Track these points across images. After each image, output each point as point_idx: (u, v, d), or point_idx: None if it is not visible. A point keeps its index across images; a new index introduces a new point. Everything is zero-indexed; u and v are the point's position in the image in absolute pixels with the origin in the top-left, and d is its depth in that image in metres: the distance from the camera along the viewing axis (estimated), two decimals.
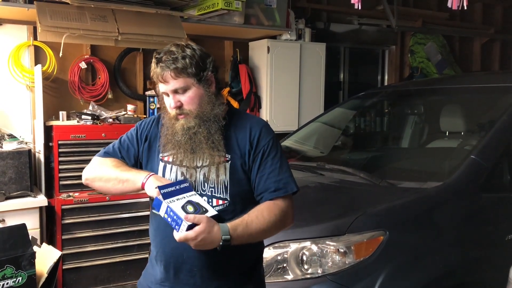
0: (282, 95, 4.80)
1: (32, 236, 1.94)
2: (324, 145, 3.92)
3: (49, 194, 3.81)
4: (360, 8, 4.10)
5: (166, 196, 1.57)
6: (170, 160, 1.74)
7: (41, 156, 3.83)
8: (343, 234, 2.31)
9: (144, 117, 4.31)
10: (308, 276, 2.29)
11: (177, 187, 1.62)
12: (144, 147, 1.82)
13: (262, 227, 1.64)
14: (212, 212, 1.62)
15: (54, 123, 3.79)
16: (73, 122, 3.84)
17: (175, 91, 1.67)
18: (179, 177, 1.71)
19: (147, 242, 3.81)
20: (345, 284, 2.24)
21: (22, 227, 1.84)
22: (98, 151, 1.89)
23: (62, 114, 3.85)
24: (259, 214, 1.64)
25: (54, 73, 4.04)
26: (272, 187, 1.69)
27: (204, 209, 1.61)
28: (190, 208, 1.58)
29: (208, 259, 1.67)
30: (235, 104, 4.65)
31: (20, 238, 1.80)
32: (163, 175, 1.74)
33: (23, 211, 3.43)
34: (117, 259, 3.92)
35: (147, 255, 3.63)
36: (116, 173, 1.73)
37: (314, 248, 2.31)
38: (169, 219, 1.55)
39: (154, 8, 3.82)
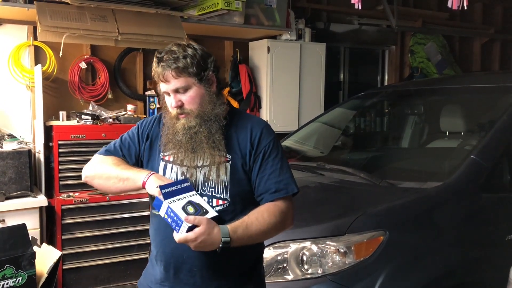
0: (282, 95, 4.80)
1: (32, 236, 1.93)
2: (324, 145, 3.92)
3: (49, 194, 3.81)
4: (360, 8, 4.10)
5: (166, 196, 1.57)
6: (171, 159, 1.74)
7: (41, 156, 3.83)
8: (343, 234, 2.31)
9: (144, 117, 4.30)
10: (308, 276, 2.29)
11: (178, 186, 1.62)
12: (146, 146, 1.82)
13: (262, 228, 1.64)
14: (212, 213, 1.61)
15: (54, 123, 3.79)
16: (73, 122, 3.84)
17: (176, 91, 1.67)
18: (180, 177, 1.71)
19: (147, 242, 3.81)
20: (345, 284, 2.24)
21: (22, 227, 1.84)
22: (98, 151, 1.89)
23: (62, 114, 3.85)
24: (259, 216, 1.64)
25: (54, 73, 4.04)
26: (273, 188, 1.69)
27: (204, 210, 1.60)
28: (190, 209, 1.57)
29: (208, 259, 1.67)
30: (235, 104, 4.65)
31: (20, 238, 1.80)
32: (164, 174, 1.74)
33: (23, 211, 3.43)
34: (117, 259, 3.92)
35: (147, 255, 3.64)
36: (117, 171, 1.73)
37: (314, 248, 2.31)
38: (169, 220, 1.54)
39: (154, 8, 3.82)
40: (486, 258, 2.56)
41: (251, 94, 4.73)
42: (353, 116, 4.36)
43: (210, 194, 1.69)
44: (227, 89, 4.72)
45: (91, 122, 3.84)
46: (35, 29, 3.83)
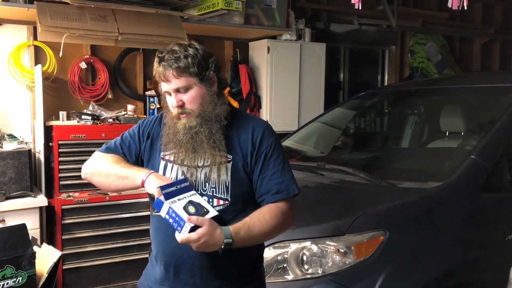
0: (282, 95, 4.80)
1: (32, 236, 1.93)
2: (324, 145, 3.92)
3: (49, 194, 3.81)
4: (360, 8, 4.10)
5: (167, 196, 1.56)
6: (171, 159, 1.73)
7: (41, 156, 3.83)
8: (343, 234, 2.31)
9: (145, 117, 4.30)
10: (308, 276, 2.29)
11: (178, 186, 1.62)
12: (146, 145, 1.82)
13: (264, 230, 1.64)
14: (213, 212, 1.61)
15: (54, 123, 3.79)
16: (73, 122, 3.84)
17: (177, 90, 1.67)
18: (180, 176, 1.71)
19: (147, 242, 3.82)
20: (345, 284, 2.24)
21: (22, 227, 1.84)
22: (98, 148, 1.89)
23: (62, 114, 3.86)
24: (261, 217, 1.64)
25: (54, 73, 4.04)
26: (274, 189, 1.69)
27: (205, 210, 1.60)
28: (191, 208, 1.57)
29: (208, 259, 1.67)
30: (235, 104, 4.65)
31: (20, 238, 1.80)
32: (164, 174, 1.73)
33: (23, 211, 3.43)
34: (117, 259, 3.92)
35: (147, 255, 3.64)
36: (116, 169, 1.73)
37: (314, 248, 2.31)
38: (170, 220, 1.54)
39: (154, 8, 3.82)
40: (486, 258, 2.56)
41: (251, 94, 4.73)
42: (353, 116, 4.36)
43: (210, 194, 1.69)
44: (227, 89, 4.72)
45: (91, 122, 3.84)
46: (35, 29, 3.83)
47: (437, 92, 3.71)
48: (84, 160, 1.89)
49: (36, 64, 3.93)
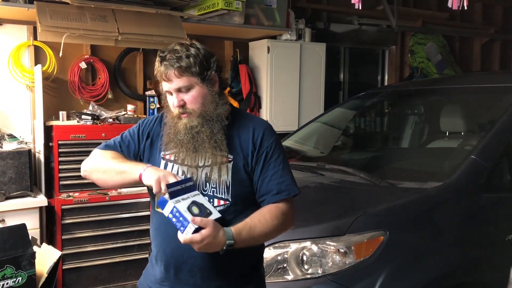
0: (282, 95, 4.80)
1: (32, 236, 1.94)
2: (324, 145, 3.92)
3: (49, 194, 3.81)
4: (360, 8, 4.10)
5: (172, 195, 1.56)
6: (172, 158, 1.73)
7: (41, 156, 3.83)
8: (343, 234, 2.31)
9: (145, 117, 4.30)
10: (308, 276, 2.29)
11: (183, 185, 1.61)
12: (146, 144, 1.82)
13: (265, 230, 1.64)
14: (216, 214, 1.61)
15: (54, 123, 3.79)
16: (73, 122, 3.84)
17: (179, 90, 1.67)
18: (180, 176, 1.70)
19: (147, 242, 3.82)
20: (345, 284, 2.24)
21: (22, 227, 1.84)
22: (98, 146, 1.90)
23: (62, 114, 3.85)
24: (262, 218, 1.64)
25: (54, 73, 4.04)
26: (275, 190, 1.69)
27: (208, 211, 1.60)
28: (195, 209, 1.57)
29: (209, 260, 1.67)
30: (235, 104, 4.65)
31: (20, 238, 1.80)
32: None
33: (23, 211, 3.43)
34: (117, 259, 3.92)
35: (147, 255, 3.64)
36: (114, 164, 1.73)
37: (314, 248, 2.31)
38: (173, 219, 1.53)
39: (154, 8, 3.82)
40: (486, 258, 2.56)
41: (251, 94, 4.73)
42: (353, 116, 4.36)
43: (211, 194, 1.68)
44: (227, 89, 4.72)
45: (91, 122, 3.84)
46: (35, 29, 3.83)
47: (437, 92, 3.71)
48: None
49: (36, 64, 3.93)
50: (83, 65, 4.11)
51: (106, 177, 1.75)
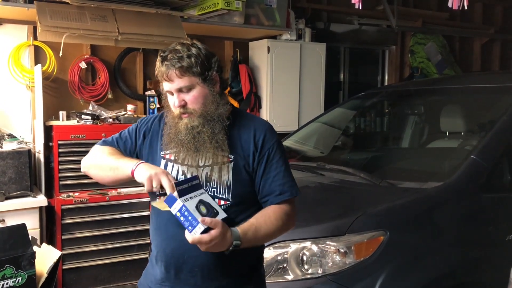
0: (282, 95, 4.80)
1: (32, 236, 1.93)
2: (324, 145, 3.92)
3: (49, 194, 3.80)
4: (360, 8, 4.10)
5: (180, 194, 1.54)
6: (172, 158, 1.73)
7: (41, 156, 3.83)
8: (343, 234, 2.31)
9: (144, 116, 4.30)
10: (309, 276, 2.29)
11: (190, 184, 1.60)
12: (144, 143, 1.82)
13: (269, 231, 1.65)
14: (222, 214, 1.61)
15: (54, 123, 3.79)
16: (73, 122, 3.84)
17: (180, 90, 1.66)
18: (180, 176, 1.71)
19: (147, 242, 3.81)
20: (345, 284, 2.24)
21: (22, 227, 1.83)
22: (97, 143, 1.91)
23: (62, 114, 3.85)
24: (267, 219, 1.65)
25: (54, 73, 4.04)
26: (277, 191, 1.70)
27: (215, 211, 1.60)
28: (203, 208, 1.56)
29: (209, 260, 1.67)
30: (235, 104, 4.65)
31: (20, 238, 1.80)
32: None
33: (23, 211, 3.43)
34: (117, 259, 3.92)
35: (147, 255, 3.64)
36: (109, 160, 1.74)
37: (315, 248, 2.31)
38: (181, 218, 1.51)
39: (154, 8, 3.82)
40: (486, 258, 2.56)
41: (251, 94, 4.73)
42: (353, 116, 4.36)
43: (212, 194, 1.68)
44: (227, 89, 4.72)
45: (91, 122, 3.84)
46: (35, 29, 3.83)
47: (437, 92, 3.71)
48: None
49: (36, 64, 3.93)
50: (83, 65, 4.11)
51: (102, 173, 1.77)
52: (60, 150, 3.72)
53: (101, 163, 1.76)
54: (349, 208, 2.54)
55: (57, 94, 4.12)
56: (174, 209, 1.53)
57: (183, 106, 1.68)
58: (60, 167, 3.73)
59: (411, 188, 2.68)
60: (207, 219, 1.51)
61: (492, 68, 6.92)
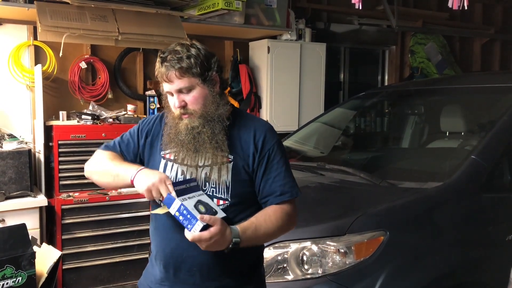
0: (282, 95, 4.80)
1: (32, 236, 1.93)
2: (324, 145, 3.92)
3: (49, 194, 3.81)
4: (360, 8, 4.10)
5: (178, 193, 1.55)
6: (172, 157, 1.73)
7: (41, 156, 3.83)
8: (343, 234, 2.31)
9: (145, 117, 4.30)
10: (309, 276, 2.29)
11: (187, 185, 1.61)
12: (146, 144, 1.82)
13: (269, 231, 1.65)
14: (221, 213, 1.61)
15: (54, 123, 3.79)
16: (73, 122, 3.84)
17: (180, 91, 1.66)
18: (179, 175, 1.71)
19: (147, 242, 3.82)
20: (346, 284, 2.24)
21: (22, 227, 1.84)
22: (99, 147, 1.90)
23: (62, 114, 3.86)
24: (267, 218, 1.65)
25: (54, 73, 4.04)
26: (278, 191, 1.70)
27: (214, 210, 1.60)
28: (201, 208, 1.56)
29: (208, 259, 1.67)
30: (235, 104, 4.65)
31: (20, 238, 1.80)
32: (164, 173, 1.73)
33: (23, 211, 3.43)
34: (117, 259, 3.92)
35: (147, 255, 3.64)
36: (110, 167, 1.73)
37: (315, 248, 2.31)
38: (180, 218, 1.52)
39: (154, 8, 3.82)
40: (486, 258, 2.56)
41: (251, 94, 4.73)
42: (353, 116, 4.36)
43: (211, 194, 1.68)
44: (228, 89, 4.73)
45: (91, 122, 3.84)
46: (35, 29, 3.83)
47: (437, 92, 3.71)
48: (84, 160, 1.90)
49: (36, 64, 3.93)
50: (83, 65, 4.11)
51: (104, 179, 1.77)
52: (60, 150, 3.72)
53: (102, 169, 1.76)
54: (349, 208, 2.54)
55: (57, 94, 4.12)
56: (173, 209, 1.53)
57: (183, 107, 1.68)
58: (60, 167, 3.73)
59: (411, 188, 2.68)
60: (206, 216, 1.51)
61: (492, 68, 6.91)
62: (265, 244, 1.90)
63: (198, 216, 1.50)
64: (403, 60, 6.22)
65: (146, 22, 3.82)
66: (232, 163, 1.70)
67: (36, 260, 1.82)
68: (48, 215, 3.77)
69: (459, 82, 3.89)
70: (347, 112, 4.18)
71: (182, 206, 1.52)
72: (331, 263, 2.28)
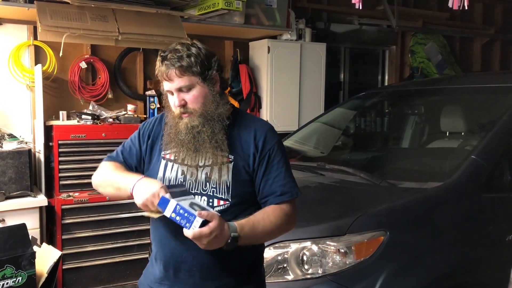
0: (282, 95, 4.80)
1: (32, 236, 1.94)
2: (325, 145, 3.92)
3: (49, 194, 3.81)
4: (360, 8, 4.10)
5: (172, 195, 1.56)
6: (172, 158, 1.73)
7: (41, 156, 3.83)
8: (343, 234, 2.30)
9: (145, 117, 4.31)
10: (309, 276, 2.29)
11: (177, 189, 1.62)
12: (147, 146, 1.82)
13: (268, 229, 1.65)
14: None
15: (54, 123, 3.79)
16: (73, 122, 3.84)
17: (180, 90, 1.66)
18: (180, 176, 1.71)
19: (147, 242, 3.82)
20: (346, 284, 2.24)
21: (22, 227, 1.84)
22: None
23: (62, 114, 3.86)
24: (265, 216, 1.65)
25: (54, 73, 4.04)
26: (278, 191, 1.69)
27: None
28: (196, 208, 1.57)
29: (207, 259, 1.67)
30: (235, 104, 4.65)
31: (20, 238, 1.80)
32: (164, 173, 1.73)
33: (23, 211, 3.43)
34: (117, 259, 3.92)
35: (147, 255, 3.64)
36: (112, 179, 1.75)
37: (315, 248, 2.31)
38: (177, 218, 1.52)
39: (155, 8, 3.82)
40: (486, 258, 2.56)
41: (251, 94, 4.73)
42: (353, 116, 4.36)
43: (211, 194, 1.68)
44: (228, 89, 4.72)
45: (91, 122, 3.84)
46: (35, 28, 3.83)
47: (437, 92, 3.71)
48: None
49: (36, 63, 3.93)
50: (83, 65, 4.11)
51: (108, 191, 1.79)
52: (60, 150, 3.72)
53: (106, 182, 1.77)
54: (349, 208, 2.54)
55: (57, 94, 4.12)
56: (168, 211, 1.53)
57: (183, 105, 1.68)
58: (60, 167, 3.73)
59: (411, 188, 2.68)
60: (204, 212, 1.51)
61: (492, 68, 6.92)
62: (265, 244, 1.90)
63: (196, 213, 1.50)
64: (403, 60, 6.22)
65: (146, 22, 3.82)
66: (232, 163, 1.69)
67: (36, 260, 1.83)
68: (48, 215, 3.77)
69: (459, 82, 3.89)
70: (347, 112, 4.18)
71: (178, 206, 1.52)
72: (331, 263, 2.28)
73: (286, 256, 2.33)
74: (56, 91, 4.12)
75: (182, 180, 1.70)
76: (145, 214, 1.68)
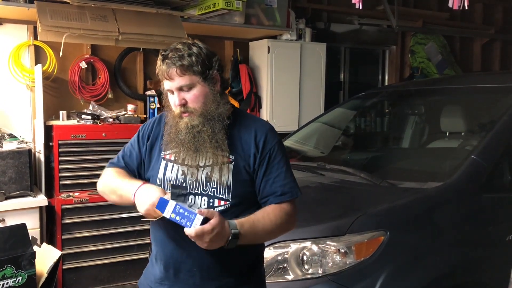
0: (282, 95, 4.80)
1: (32, 236, 1.94)
2: (325, 145, 3.92)
3: (49, 194, 3.80)
4: (360, 8, 4.10)
5: (172, 196, 1.56)
6: (172, 158, 1.73)
7: (41, 156, 3.83)
8: (343, 234, 2.30)
9: (145, 117, 4.31)
10: (309, 276, 2.29)
11: (178, 191, 1.62)
12: (147, 147, 1.82)
13: (268, 228, 1.64)
14: None
15: (54, 122, 3.79)
16: (73, 122, 3.84)
17: (180, 89, 1.66)
18: (180, 176, 1.71)
19: (147, 242, 3.82)
20: (346, 284, 2.24)
21: (22, 227, 1.84)
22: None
23: (62, 113, 3.86)
24: (265, 215, 1.65)
25: (54, 72, 4.04)
26: (278, 191, 1.69)
27: None
28: (194, 208, 1.57)
29: (207, 259, 1.67)
30: (235, 104, 4.65)
31: (20, 238, 1.80)
32: (164, 174, 1.73)
33: (23, 211, 3.43)
34: (117, 259, 3.92)
35: (147, 255, 3.64)
36: (114, 186, 1.75)
37: (315, 248, 2.31)
38: (177, 218, 1.52)
39: (155, 7, 3.82)
40: (486, 258, 2.56)
41: (252, 94, 4.73)
42: (353, 116, 4.36)
43: (211, 194, 1.68)
44: (228, 89, 4.73)
45: (91, 122, 3.84)
46: (35, 28, 3.83)
47: (437, 92, 3.71)
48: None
49: (36, 63, 3.93)
50: (83, 64, 4.11)
51: (112, 198, 1.80)
52: (60, 150, 3.72)
53: (109, 190, 1.78)
54: (350, 208, 2.54)
55: (57, 94, 4.12)
56: (168, 212, 1.53)
57: (184, 105, 1.67)
58: (60, 167, 3.73)
59: (411, 188, 2.68)
60: (204, 210, 1.51)
61: (492, 68, 6.92)
62: (265, 244, 1.90)
63: (196, 210, 1.50)
64: (403, 60, 6.22)
65: (146, 22, 3.82)
66: (233, 163, 1.69)
67: (36, 260, 1.83)
68: (48, 215, 3.77)
69: (459, 82, 3.89)
70: (347, 112, 4.18)
71: (177, 206, 1.52)
72: (331, 263, 2.28)
73: (286, 256, 2.33)
74: (56, 91, 4.12)
75: (182, 181, 1.70)
76: (146, 217, 1.68)
